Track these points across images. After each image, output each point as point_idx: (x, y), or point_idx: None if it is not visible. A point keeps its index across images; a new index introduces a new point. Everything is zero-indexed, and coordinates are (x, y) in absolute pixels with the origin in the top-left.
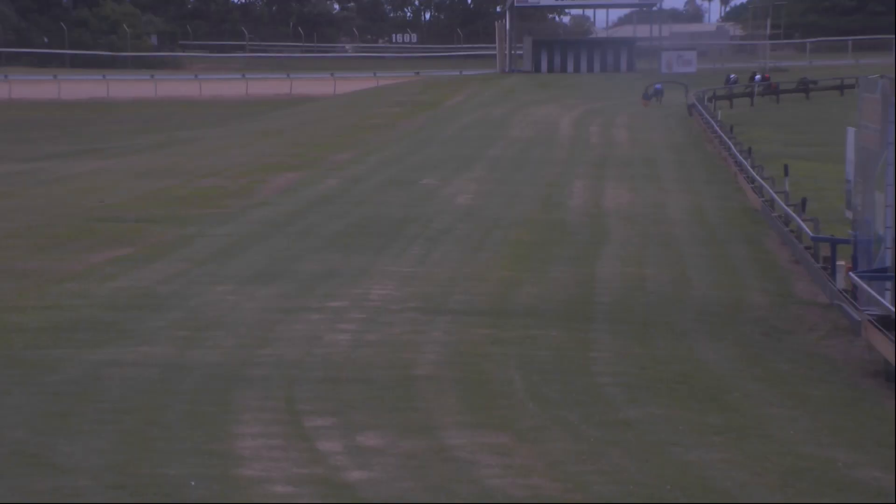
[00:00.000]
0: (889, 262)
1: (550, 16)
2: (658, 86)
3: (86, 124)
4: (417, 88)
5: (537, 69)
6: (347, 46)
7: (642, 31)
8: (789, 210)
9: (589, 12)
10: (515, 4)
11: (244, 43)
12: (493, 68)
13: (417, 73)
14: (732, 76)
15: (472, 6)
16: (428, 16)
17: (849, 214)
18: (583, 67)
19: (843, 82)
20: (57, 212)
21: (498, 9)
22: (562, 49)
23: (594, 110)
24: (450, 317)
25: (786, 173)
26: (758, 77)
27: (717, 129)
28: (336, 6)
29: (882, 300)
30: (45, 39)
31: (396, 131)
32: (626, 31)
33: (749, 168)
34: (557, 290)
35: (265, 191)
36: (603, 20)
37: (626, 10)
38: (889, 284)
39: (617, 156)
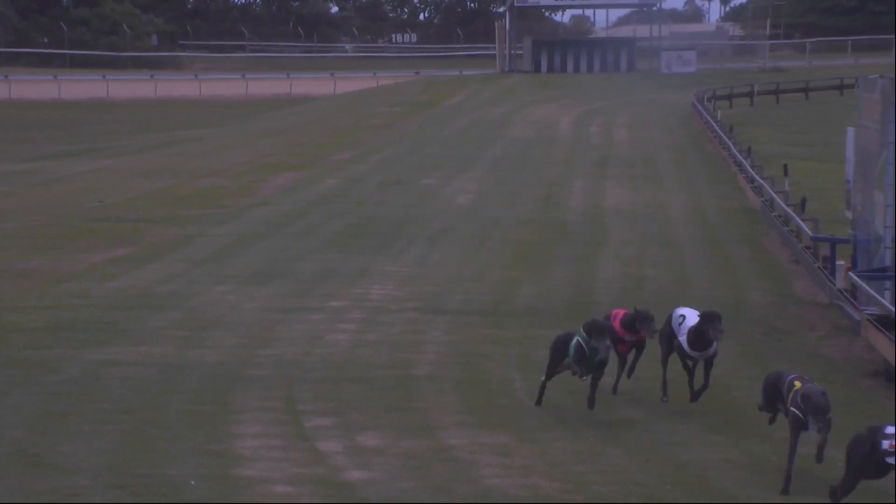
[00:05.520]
0: (889, 262)
1: (550, 15)
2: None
3: (86, 124)
4: (417, 88)
5: (537, 69)
6: (347, 46)
7: (642, 31)
8: (789, 210)
9: (589, 12)
10: (515, 4)
11: (244, 43)
12: (493, 68)
13: (417, 73)
14: None
15: (471, 6)
16: (427, 15)
17: (849, 214)
18: (583, 67)
19: (843, 82)
20: (57, 212)
21: (498, 9)
22: (562, 49)
23: (594, 110)
24: (450, 317)
25: (785, 173)
26: None
27: (717, 129)
28: (335, 7)
29: (882, 300)
30: (45, 39)
31: (396, 131)
32: (626, 31)
33: (749, 168)
34: (557, 290)
35: (265, 191)
36: (603, 20)
37: (626, 10)
38: (889, 284)
39: (617, 156)
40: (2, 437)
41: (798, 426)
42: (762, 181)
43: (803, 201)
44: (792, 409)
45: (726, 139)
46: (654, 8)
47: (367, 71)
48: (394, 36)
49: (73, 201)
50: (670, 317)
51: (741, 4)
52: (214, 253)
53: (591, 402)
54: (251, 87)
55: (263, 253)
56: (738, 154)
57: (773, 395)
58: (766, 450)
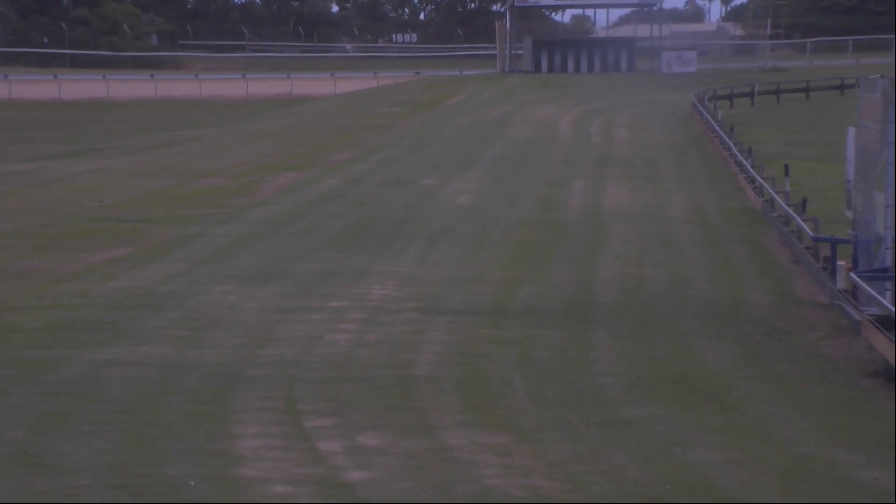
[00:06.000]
0: (889, 262)
1: (550, 15)
2: None
3: (86, 124)
4: (417, 88)
5: (537, 69)
6: (347, 46)
7: (642, 31)
8: (789, 210)
9: (589, 12)
10: (515, 4)
11: (244, 43)
12: (493, 68)
13: (417, 72)
14: None
15: (472, 6)
16: (427, 15)
17: (849, 214)
18: (583, 67)
19: (844, 82)
20: (57, 212)
21: (497, 8)
22: (562, 49)
23: (594, 110)
24: (450, 317)
25: (786, 173)
26: None
27: (718, 129)
28: (335, 7)
29: (882, 300)
30: (45, 39)
31: (396, 131)
32: (626, 31)
33: (749, 168)
34: (557, 290)
35: (265, 191)
36: (603, 20)
37: (626, 10)
38: (889, 284)
39: (617, 156)
40: (2, 437)
41: None
42: (763, 181)
43: (804, 201)
44: None
45: (727, 139)
46: (655, 8)
47: (367, 71)
48: (394, 36)
49: (73, 201)
50: None
51: (742, 4)
52: (214, 253)
53: None
54: (251, 87)
55: (263, 253)
56: (738, 154)
57: None
58: (767, 450)
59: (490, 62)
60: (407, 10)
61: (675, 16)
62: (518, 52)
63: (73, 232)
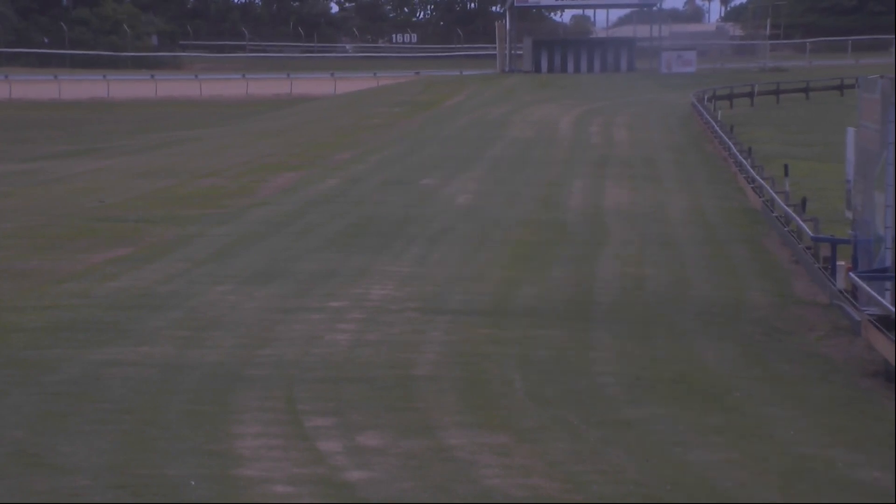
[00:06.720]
0: (889, 262)
1: (550, 15)
2: None
3: (86, 124)
4: (417, 88)
5: (537, 69)
6: (347, 46)
7: (642, 31)
8: (789, 210)
9: (589, 12)
10: (515, 4)
11: (244, 43)
12: (493, 68)
13: (417, 73)
14: None
15: (472, 6)
16: (426, 15)
17: (849, 214)
18: (583, 67)
19: (843, 82)
20: (57, 212)
21: (497, 8)
22: (562, 49)
23: (594, 110)
24: (450, 317)
25: (786, 173)
26: None
27: (717, 129)
28: (335, 6)
29: (882, 300)
30: (45, 39)
31: (396, 131)
32: (626, 31)
33: (749, 168)
34: (557, 290)
35: (265, 191)
36: (603, 20)
37: (626, 10)
38: (889, 284)
39: (617, 156)
40: (2, 437)
41: None
42: (762, 181)
43: (804, 201)
44: None
45: (726, 139)
46: (655, 8)
47: (367, 71)
48: (394, 36)
49: (73, 201)
50: None
51: (741, 4)
52: (214, 253)
53: None
54: (251, 87)
55: (263, 253)
56: (738, 154)
57: None
58: (767, 450)
59: (490, 62)
60: (407, 10)
61: (674, 16)
62: (518, 52)
63: (73, 232)
